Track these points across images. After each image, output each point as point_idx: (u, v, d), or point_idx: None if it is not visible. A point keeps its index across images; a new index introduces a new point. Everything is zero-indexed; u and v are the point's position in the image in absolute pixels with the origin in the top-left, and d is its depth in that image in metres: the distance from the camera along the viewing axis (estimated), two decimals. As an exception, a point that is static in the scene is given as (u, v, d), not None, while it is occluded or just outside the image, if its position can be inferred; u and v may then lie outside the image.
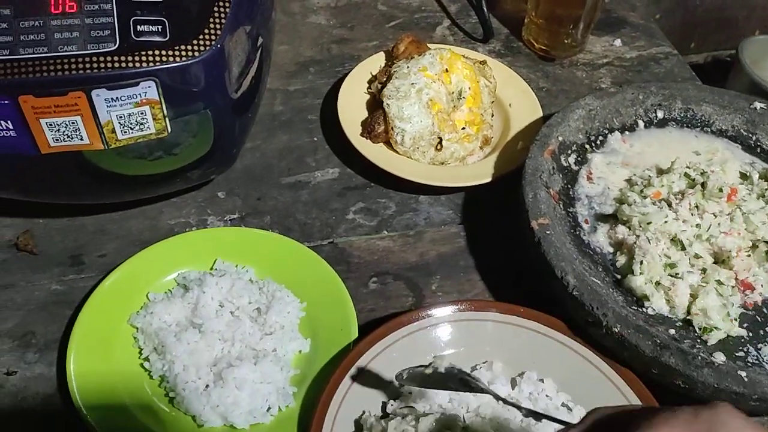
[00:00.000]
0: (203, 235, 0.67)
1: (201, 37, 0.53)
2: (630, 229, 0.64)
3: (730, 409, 0.34)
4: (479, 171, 0.75)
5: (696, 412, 0.34)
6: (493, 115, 0.82)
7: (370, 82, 0.83)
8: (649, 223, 0.62)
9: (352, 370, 0.55)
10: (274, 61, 0.88)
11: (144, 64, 0.50)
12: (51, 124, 0.51)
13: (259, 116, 0.78)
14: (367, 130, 0.76)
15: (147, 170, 0.62)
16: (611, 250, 0.64)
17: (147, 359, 0.58)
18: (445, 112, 0.77)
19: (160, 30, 0.51)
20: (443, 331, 0.59)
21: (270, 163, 0.77)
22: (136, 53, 0.50)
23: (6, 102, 0.49)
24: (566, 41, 0.90)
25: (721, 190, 0.64)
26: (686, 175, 0.67)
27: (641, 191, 0.66)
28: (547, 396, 0.57)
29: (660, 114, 0.76)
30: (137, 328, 0.59)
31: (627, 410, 0.38)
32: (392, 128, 0.75)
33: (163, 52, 0.51)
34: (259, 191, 0.74)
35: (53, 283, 0.65)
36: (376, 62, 0.85)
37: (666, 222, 0.62)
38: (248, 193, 0.74)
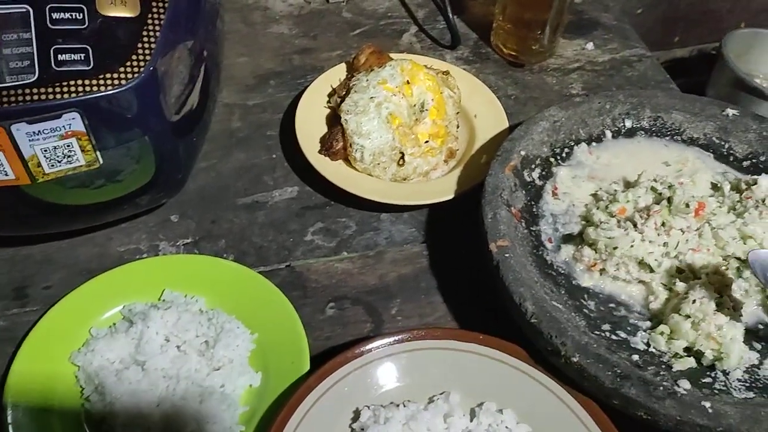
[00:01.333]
0: (151, 264, 0.64)
1: (129, 62, 0.50)
2: (596, 252, 0.61)
3: None
4: (442, 187, 0.72)
5: None
6: (458, 127, 0.79)
7: (330, 95, 0.80)
8: (615, 248, 0.59)
9: (302, 407, 0.53)
10: (232, 75, 0.86)
11: (66, 95, 0.48)
12: (-29, 161, 0.49)
13: (214, 134, 0.76)
14: (326, 147, 0.74)
15: (89, 199, 0.59)
16: (576, 269, 0.62)
17: (88, 399, 0.55)
18: (406, 125, 0.74)
19: (82, 58, 0.48)
20: (397, 362, 0.56)
21: (226, 183, 0.75)
22: (57, 84, 0.48)
23: None
24: (535, 46, 0.88)
25: (687, 206, 0.61)
26: (653, 189, 0.64)
27: (607, 207, 0.64)
28: (506, 428, 0.54)
29: (628, 123, 0.73)
30: (79, 367, 0.57)
31: None
32: (351, 145, 0.73)
33: (87, 82, 0.48)
34: (214, 213, 0.72)
35: (-5, 319, 0.62)
36: (336, 74, 0.82)
37: (632, 246, 0.59)
38: (202, 216, 0.71)
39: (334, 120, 0.77)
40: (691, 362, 0.55)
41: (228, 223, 0.71)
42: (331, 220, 0.72)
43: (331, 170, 0.72)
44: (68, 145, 0.50)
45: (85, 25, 0.49)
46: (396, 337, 0.57)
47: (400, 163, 0.74)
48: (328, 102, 0.80)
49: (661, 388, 0.51)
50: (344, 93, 0.76)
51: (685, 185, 0.65)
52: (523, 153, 0.67)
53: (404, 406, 0.54)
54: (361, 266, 0.68)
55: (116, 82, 0.49)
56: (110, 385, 0.54)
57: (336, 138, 0.73)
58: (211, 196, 0.73)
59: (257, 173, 0.76)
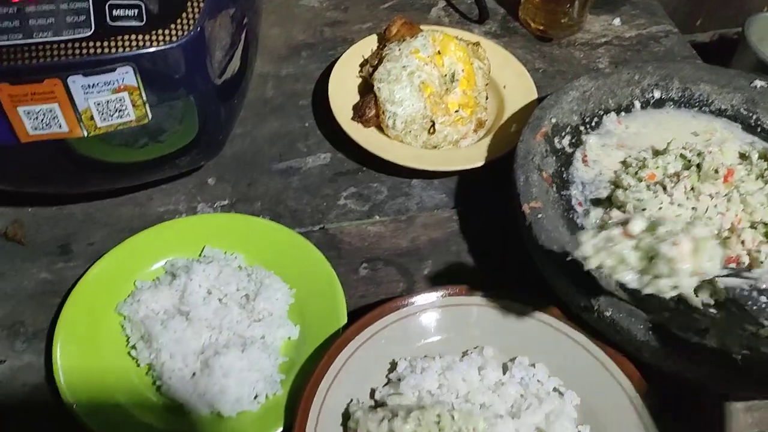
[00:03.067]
0: (192, 221, 0.67)
1: (179, 21, 0.52)
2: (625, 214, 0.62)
3: None
4: (472, 154, 0.74)
5: None
6: (487, 98, 0.80)
7: (362, 65, 0.82)
8: (643, 210, 0.60)
9: (340, 357, 0.55)
10: (266, 45, 0.87)
11: (120, 50, 0.49)
12: (29, 112, 0.50)
13: (249, 101, 0.77)
14: (358, 114, 0.75)
15: (133, 158, 0.61)
16: (605, 233, 0.63)
17: (134, 347, 0.58)
18: (437, 95, 0.76)
19: (136, 14, 0.50)
20: (433, 317, 0.58)
21: (261, 148, 0.77)
22: (113, 38, 0.49)
23: (-18, 90, 0.49)
24: (563, 21, 0.89)
25: (716, 172, 0.62)
26: (682, 156, 0.65)
27: (636, 173, 0.65)
28: (538, 381, 0.56)
29: (657, 94, 0.74)
30: (124, 317, 0.59)
31: None
32: (383, 112, 0.74)
33: (140, 37, 0.50)
34: (250, 177, 0.74)
35: (42, 272, 0.64)
36: (368, 45, 0.84)
37: (661, 208, 0.60)
38: (238, 180, 0.73)
39: (365, 89, 0.79)
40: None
41: (263, 186, 0.73)
42: (364, 185, 0.74)
43: (364, 137, 0.74)
44: (120, 99, 0.52)
45: (139, -18, 0.50)
46: (431, 294, 0.58)
47: (431, 131, 0.75)
48: (360, 71, 0.81)
49: (693, 341, 0.52)
50: (377, 62, 0.78)
51: (713, 154, 0.66)
52: (554, 121, 0.69)
53: (440, 357, 0.56)
54: (393, 229, 0.70)
55: (167, 38, 0.51)
56: (156, 333, 0.56)
57: (369, 105, 0.75)
58: (246, 160, 0.75)
59: (291, 140, 0.78)
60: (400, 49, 0.77)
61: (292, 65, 0.86)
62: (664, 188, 0.62)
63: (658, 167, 0.64)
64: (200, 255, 0.64)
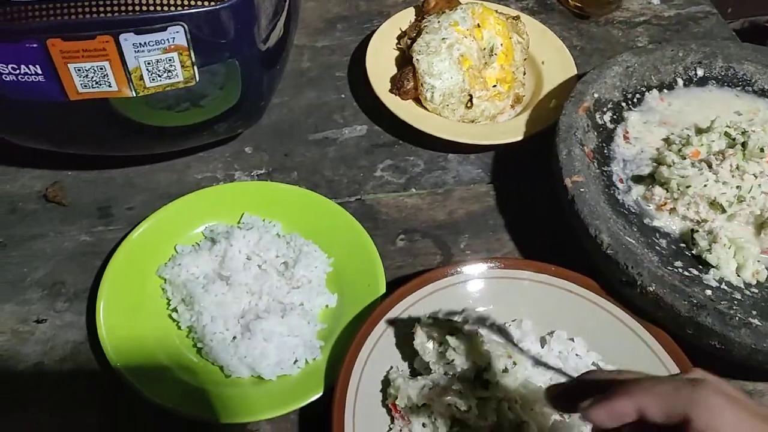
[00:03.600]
0: (230, 189, 0.67)
1: (230, -18, 0.51)
2: (668, 191, 0.62)
3: (712, 388, 0.33)
4: (510, 129, 0.73)
5: (677, 386, 0.34)
6: (525, 73, 0.80)
7: (399, 38, 0.81)
8: (688, 187, 0.60)
9: (380, 326, 0.55)
10: (302, 18, 0.86)
11: (172, 8, 0.49)
12: (79, 70, 0.50)
13: (286, 72, 0.77)
14: (396, 86, 0.75)
15: (174, 122, 0.61)
16: (647, 209, 0.63)
17: (175, 310, 0.58)
18: (476, 68, 0.75)
19: (188, -27, 0.49)
20: (472, 288, 0.58)
21: (297, 119, 0.76)
22: (165, -3, 0.49)
23: (34, 45, 0.49)
24: (602, -2, 0.87)
25: (762, 150, 0.61)
26: (726, 134, 0.65)
27: (679, 150, 0.64)
28: (577, 355, 0.56)
29: (700, 72, 0.73)
30: (165, 280, 0.59)
31: (613, 377, 0.39)
32: (422, 84, 0.74)
33: (192, -3, 0.50)
34: (287, 147, 0.74)
35: (82, 234, 0.65)
36: (405, 18, 0.83)
37: (706, 185, 0.60)
38: (275, 149, 0.73)
39: (403, 61, 0.78)
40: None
41: (300, 156, 0.73)
42: (400, 158, 0.73)
43: (402, 109, 0.73)
44: (170, 60, 0.52)
45: (191, -58, 0.50)
46: (472, 265, 0.58)
47: (468, 105, 0.75)
48: (398, 44, 0.81)
49: (737, 318, 0.52)
50: (415, 35, 0.77)
51: (757, 133, 0.66)
52: (596, 96, 0.68)
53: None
54: (430, 202, 0.70)
55: (218, -1, 0.51)
56: (198, 296, 0.56)
57: (407, 77, 0.74)
58: (283, 131, 0.75)
59: (327, 111, 0.77)
60: (439, 22, 0.76)
61: (327, 38, 0.86)
62: (710, 166, 0.61)
63: (702, 145, 0.64)
64: (239, 222, 0.64)
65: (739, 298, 0.56)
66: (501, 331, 0.50)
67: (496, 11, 0.79)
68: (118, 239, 0.63)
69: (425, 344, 0.53)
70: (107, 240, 0.64)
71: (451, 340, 0.52)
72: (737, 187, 0.61)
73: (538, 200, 0.69)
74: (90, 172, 0.69)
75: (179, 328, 0.57)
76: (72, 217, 0.66)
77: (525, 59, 0.80)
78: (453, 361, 0.51)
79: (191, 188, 0.68)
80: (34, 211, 0.66)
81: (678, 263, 0.58)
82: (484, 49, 0.77)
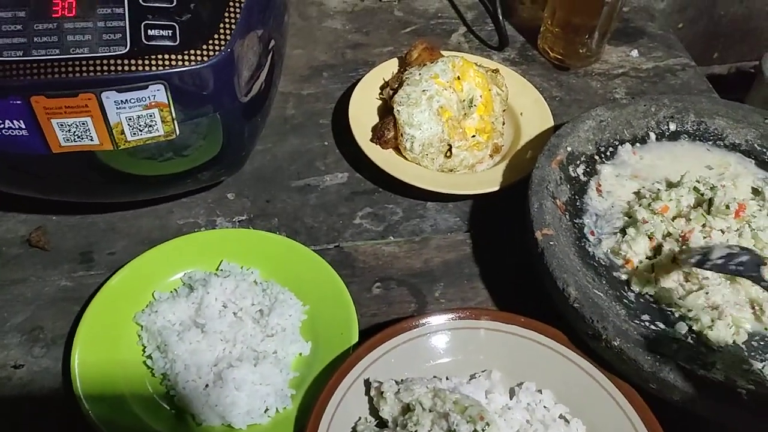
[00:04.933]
0: (210, 235, 0.68)
1: (211, 41, 0.54)
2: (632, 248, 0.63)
3: None
4: (488, 179, 0.75)
5: None
6: (504, 124, 0.82)
7: (382, 87, 0.83)
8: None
9: (350, 375, 0.55)
10: (288, 65, 0.89)
11: (154, 68, 0.51)
12: (62, 125, 0.52)
13: (270, 119, 0.79)
14: (377, 135, 0.77)
15: (157, 171, 0.63)
16: (617, 263, 0.64)
17: (150, 357, 0.59)
18: (455, 119, 0.77)
19: (170, 34, 0.52)
20: (442, 339, 0.59)
21: (280, 165, 0.78)
22: (147, 57, 0.51)
23: (18, 102, 0.51)
24: (581, 51, 0.90)
25: (728, 207, 0.63)
26: (695, 189, 0.66)
27: (649, 204, 0.66)
28: (545, 407, 0.56)
29: (672, 126, 0.75)
30: (142, 326, 0.60)
31: None
32: (402, 134, 0.76)
33: (173, 57, 0.52)
34: (269, 194, 0.75)
35: (63, 279, 0.66)
36: (389, 68, 0.85)
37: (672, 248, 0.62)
38: (257, 195, 0.75)
39: (385, 111, 0.81)
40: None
41: (281, 203, 0.74)
42: (379, 205, 0.75)
43: (382, 158, 0.75)
44: (151, 115, 0.54)
45: (174, 4, 0.52)
46: (443, 315, 0.59)
47: (448, 154, 0.77)
48: (380, 94, 0.83)
49: (699, 374, 0.52)
50: (397, 85, 0.80)
51: (726, 188, 0.67)
52: (569, 149, 0.70)
53: (447, 379, 0.57)
54: (407, 250, 0.71)
55: (199, 58, 0.53)
56: (172, 344, 0.57)
57: (388, 127, 0.76)
58: (266, 177, 0.77)
59: (310, 158, 0.79)
60: (420, 74, 0.78)
61: (313, 85, 0.88)
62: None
63: (671, 200, 0.65)
64: (218, 268, 0.65)
65: (704, 352, 0.57)
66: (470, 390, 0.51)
67: (476, 64, 0.81)
68: (98, 284, 0.65)
69: (391, 410, 0.53)
70: (87, 285, 0.65)
71: (417, 406, 0.52)
72: (703, 246, 0.62)
73: (513, 250, 0.70)
74: (74, 217, 0.71)
75: (153, 375, 0.58)
76: (54, 262, 0.67)
77: (504, 110, 0.82)
78: (419, 422, 0.52)
79: (173, 234, 0.69)
80: (17, 256, 0.67)
81: (645, 316, 0.59)
82: (464, 100, 0.79)
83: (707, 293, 0.59)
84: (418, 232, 0.73)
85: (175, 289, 0.63)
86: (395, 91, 0.79)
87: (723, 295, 0.59)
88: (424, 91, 0.77)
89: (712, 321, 0.57)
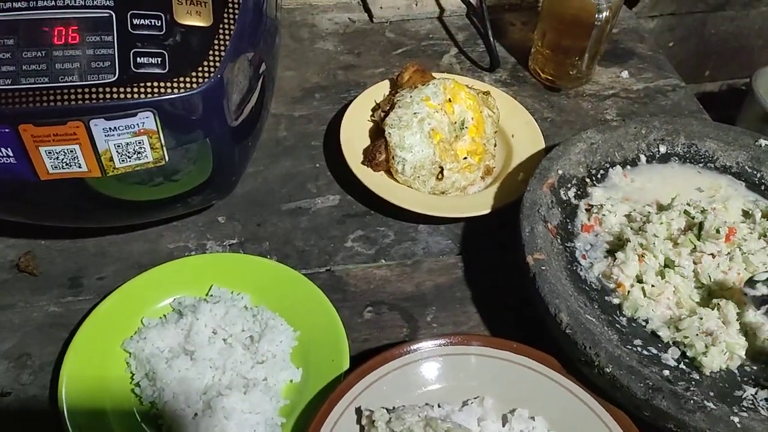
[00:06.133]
0: (200, 260, 0.68)
1: (200, 68, 0.53)
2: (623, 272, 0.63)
3: None
4: (479, 202, 0.75)
5: None
6: (495, 146, 0.82)
7: (373, 110, 0.83)
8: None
9: (341, 404, 0.55)
10: (280, 87, 0.89)
11: (142, 96, 0.51)
12: (50, 152, 0.52)
13: (262, 141, 0.79)
14: (368, 158, 0.77)
15: (147, 196, 0.63)
16: (609, 287, 0.64)
17: (138, 385, 0.58)
18: (446, 141, 0.77)
19: (159, 62, 0.52)
20: (434, 366, 0.58)
21: (271, 188, 0.78)
22: (135, 85, 0.51)
23: (6, 130, 0.50)
24: (572, 72, 0.90)
25: (718, 231, 0.63)
26: (686, 212, 0.66)
27: (640, 228, 0.66)
28: (537, 435, 0.56)
29: (663, 149, 0.76)
30: (130, 353, 0.60)
31: None
32: (393, 157, 0.76)
33: (162, 84, 0.52)
34: (260, 217, 0.75)
35: (51, 305, 0.65)
36: (380, 90, 0.85)
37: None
38: (248, 219, 0.75)
39: (376, 133, 0.81)
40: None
41: (272, 226, 0.74)
42: (371, 228, 0.75)
43: (373, 180, 0.75)
44: (140, 142, 0.53)
45: (163, 32, 0.52)
46: (434, 341, 0.59)
47: (439, 177, 0.77)
48: (372, 116, 0.83)
49: (692, 401, 0.52)
50: (388, 108, 0.80)
51: (717, 211, 0.67)
52: (560, 172, 0.70)
53: (439, 406, 0.56)
54: (399, 274, 0.71)
55: (188, 85, 0.53)
56: (161, 372, 0.57)
57: (379, 150, 0.76)
58: (257, 200, 0.76)
59: (301, 181, 0.79)
60: (411, 96, 0.79)
61: (305, 107, 0.88)
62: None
63: (662, 223, 0.65)
64: (208, 294, 0.65)
65: (698, 378, 0.57)
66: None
67: (468, 86, 0.82)
68: (86, 310, 0.64)
69: None
70: (76, 311, 0.65)
71: None
72: (694, 271, 0.62)
73: (505, 273, 0.70)
74: (63, 242, 0.70)
75: (141, 403, 0.57)
76: (42, 288, 0.67)
77: (495, 132, 0.82)
78: None
79: (163, 258, 0.69)
80: (5, 281, 0.67)
81: (637, 341, 0.59)
82: (455, 122, 0.79)
83: (701, 318, 0.59)
84: (410, 255, 0.73)
85: (165, 315, 0.63)
86: (386, 113, 0.79)
87: (716, 320, 0.59)
88: (415, 113, 0.77)
89: (706, 347, 0.57)
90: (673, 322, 0.60)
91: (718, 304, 0.60)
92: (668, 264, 0.63)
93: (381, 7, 1.03)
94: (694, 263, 0.63)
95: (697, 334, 0.58)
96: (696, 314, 0.59)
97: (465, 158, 0.78)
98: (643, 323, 0.61)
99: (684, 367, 0.58)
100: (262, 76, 0.65)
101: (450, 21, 1.03)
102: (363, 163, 0.77)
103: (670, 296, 0.61)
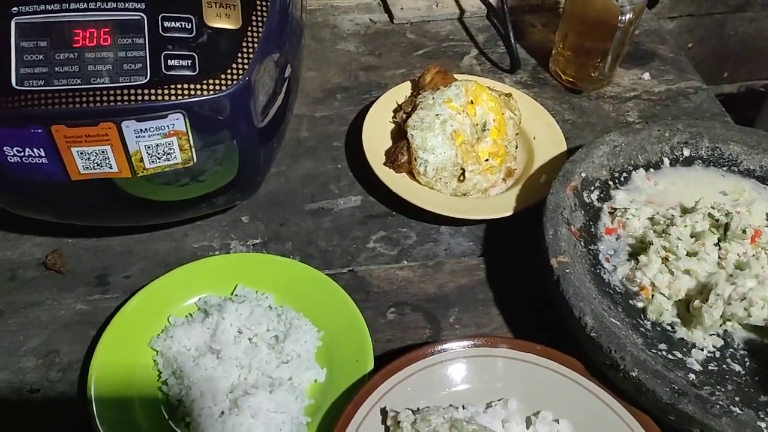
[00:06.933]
0: (225, 260, 0.68)
1: (229, 70, 0.54)
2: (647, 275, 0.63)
3: None
4: (501, 203, 0.75)
5: None
6: (517, 147, 0.82)
7: (395, 111, 0.84)
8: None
9: (366, 404, 0.55)
10: (302, 87, 0.90)
11: (173, 98, 0.52)
12: (81, 153, 0.53)
13: (284, 142, 0.79)
14: (391, 159, 0.77)
15: (173, 196, 0.63)
16: (633, 290, 0.64)
17: (165, 383, 0.59)
18: (468, 143, 0.78)
19: (189, 64, 0.52)
20: (459, 367, 0.59)
21: (294, 189, 0.78)
22: (166, 87, 0.52)
23: (39, 131, 0.51)
24: (593, 74, 0.90)
25: (744, 232, 0.63)
26: (710, 215, 0.66)
27: (663, 231, 0.66)
28: (561, 437, 0.56)
29: (686, 152, 0.75)
30: (157, 351, 0.61)
31: None
32: (415, 159, 0.76)
33: (192, 86, 0.52)
34: (282, 217, 0.75)
35: (78, 303, 0.66)
36: (402, 91, 0.86)
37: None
38: (271, 219, 0.75)
39: (398, 134, 0.81)
40: None
41: (295, 226, 0.75)
42: (393, 229, 0.75)
43: (395, 182, 0.75)
44: (169, 144, 0.54)
45: (193, 34, 0.53)
46: (459, 343, 0.59)
47: (461, 178, 0.77)
48: (394, 117, 0.83)
49: (718, 406, 0.52)
50: (410, 109, 0.80)
51: (741, 214, 0.67)
52: (583, 175, 0.70)
53: (464, 408, 0.57)
54: (421, 275, 0.71)
55: (217, 87, 0.53)
56: (188, 370, 0.57)
57: (401, 151, 0.77)
58: (280, 200, 0.77)
59: (323, 181, 0.80)
60: (433, 98, 0.79)
61: (326, 108, 0.88)
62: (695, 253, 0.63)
63: (686, 226, 0.65)
64: (232, 293, 0.65)
65: (722, 382, 0.57)
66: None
67: (489, 88, 0.82)
68: (113, 308, 0.65)
69: None
70: (103, 309, 0.65)
71: None
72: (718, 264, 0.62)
73: (527, 275, 0.70)
74: (90, 240, 0.71)
75: (168, 400, 0.58)
76: (70, 285, 0.67)
77: (517, 134, 0.82)
78: None
79: (188, 257, 0.70)
80: (33, 279, 0.68)
81: (662, 345, 0.59)
82: (477, 124, 0.79)
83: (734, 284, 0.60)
84: (432, 257, 0.73)
85: (190, 314, 0.63)
86: (408, 115, 0.79)
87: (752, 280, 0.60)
88: (437, 115, 0.77)
89: (745, 309, 0.58)
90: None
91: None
92: (690, 254, 0.63)
93: (402, 8, 1.03)
94: (720, 258, 0.63)
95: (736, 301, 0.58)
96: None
97: (486, 160, 0.78)
98: (668, 327, 0.61)
99: (711, 369, 0.57)
100: (288, 78, 0.66)
101: (470, 22, 1.03)
102: (385, 164, 0.77)
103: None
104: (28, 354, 0.62)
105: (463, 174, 0.77)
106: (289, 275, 0.67)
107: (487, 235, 0.75)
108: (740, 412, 0.52)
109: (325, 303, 0.64)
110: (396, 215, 0.76)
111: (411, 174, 0.78)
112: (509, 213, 0.73)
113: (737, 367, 0.58)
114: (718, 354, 0.59)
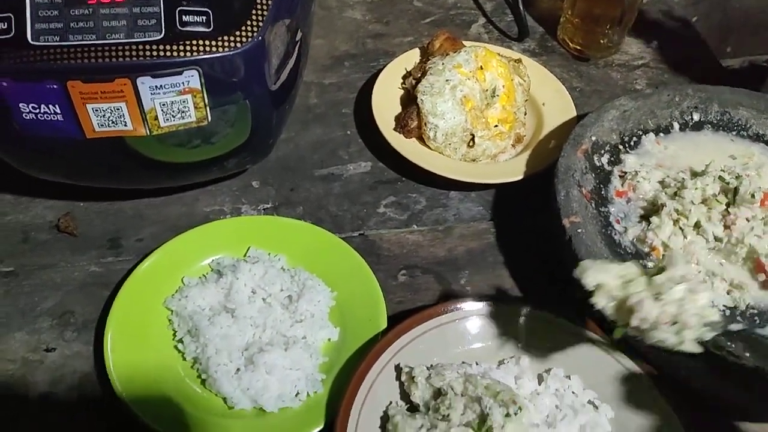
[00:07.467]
0: (237, 223, 0.68)
1: (243, 28, 0.54)
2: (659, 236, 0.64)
3: None
4: (511, 168, 0.75)
5: None
6: (526, 114, 0.82)
7: (404, 77, 0.84)
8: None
9: (379, 361, 0.56)
10: (310, 55, 0.89)
11: (188, 54, 0.52)
12: (97, 110, 0.53)
13: (294, 108, 0.79)
14: (401, 125, 0.77)
15: (185, 158, 0.63)
16: (644, 251, 0.64)
17: (181, 341, 0.59)
18: (478, 109, 0.78)
19: (204, 20, 0.52)
20: (471, 325, 0.59)
21: (304, 155, 0.79)
22: (181, 43, 0.52)
23: (55, 87, 0.51)
24: (602, 41, 0.90)
25: (753, 196, 0.63)
26: (720, 178, 0.66)
27: (674, 194, 0.66)
28: (573, 393, 0.57)
29: (696, 117, 0.75)
30: (172, 311, 0.61)
31: None
32: (425, 124, 0.76)
33: (207, 42, 0.52)
34: (293, 182, 0.76)
35: (92, 265, 0.66)
36: (410, 58, 0.86)
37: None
38: (282, 184, 0.75)
39: (407, 100, 0.81)
40: None
41: (305, 191, 0.75)
42: (403, 194, 0.75)
43: (405, 147, 0.76)
44: (184, 101, 0.54)
45: (207, -10, 0.53)
46: (471, 302, 0.60)
47: (470, 144, 0.77)
48: (403, 83, 0.83)
49: (729, 362, 0.53)
50: (420, 75, 0.80)
51: (751, 177, 0.67)
52: (593, 138, 0.70)
53: (477, 364, 0.57)
54: (431, 239, 0.71)
55: (232, 44, 0.53)
56: (203, 328, 0.58)
57: (411, 117, 0.77)
58: (290, 165, 0.77)
59: (333, 147, 0.80)
60: (443, 63, 0.79)
61: (335, 75, 0.88)
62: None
63: (696, 188, 0.65)
64: (245, 255, 0.66)
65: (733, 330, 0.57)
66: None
67: (499, 54, 0.81)
68: (126, 270, 0.65)
69: (423, 394, 0.54)
70: (116, 271, 0.66)
71: (449, 391, 0.53)
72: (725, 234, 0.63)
73: (536, 238, 0.70)
74: (101, 204, 0.71)
75: (184, 359, 0.59)
76: (82, 248, 0.68)
77: (526, 100, 0.82)
78: (451, 406, 0.52)
79: (199, 221, 0.70)
80: (46, 241, 0.68)
81: (672, 304, 0.60)
82: (486, 90, 0.79)
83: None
84: (441, 221, 0.73)
85: (204, 275, 0.64)
86: (418, 80, 0.79)
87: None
88: (447, 80, 0.77)
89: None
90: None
91: None
92: (697, 226, 0.63)
93: (408, -24, 1.02)
94: (725, 227, 0.63)
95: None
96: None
97: (496, 126, 0.78)
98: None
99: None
100: (299, 42, 0.66)
101: (477, -10, 1.03)
102: (395, 129, 0.77)
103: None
104: (44, 314, 0.63)
105: (472, 139, 0.77)
106: (301, 237, 0.67)
107: (496, 201, 0.75)
108: (750, 365, 0.53)
109: (338, 264, 0.65)
110: (405, 181, 0.77)
111: (421, 140, 0.78)
112: (518, 178, 0.73)
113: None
114: (728, 312, 0.60)
